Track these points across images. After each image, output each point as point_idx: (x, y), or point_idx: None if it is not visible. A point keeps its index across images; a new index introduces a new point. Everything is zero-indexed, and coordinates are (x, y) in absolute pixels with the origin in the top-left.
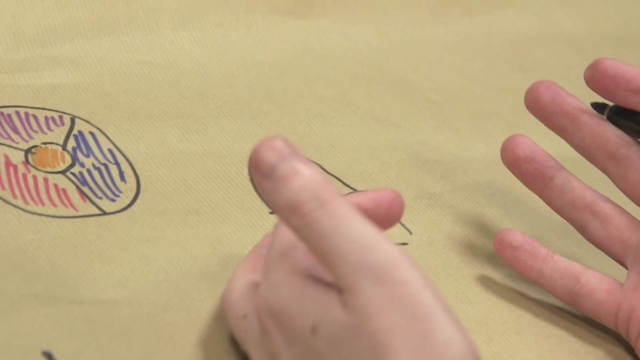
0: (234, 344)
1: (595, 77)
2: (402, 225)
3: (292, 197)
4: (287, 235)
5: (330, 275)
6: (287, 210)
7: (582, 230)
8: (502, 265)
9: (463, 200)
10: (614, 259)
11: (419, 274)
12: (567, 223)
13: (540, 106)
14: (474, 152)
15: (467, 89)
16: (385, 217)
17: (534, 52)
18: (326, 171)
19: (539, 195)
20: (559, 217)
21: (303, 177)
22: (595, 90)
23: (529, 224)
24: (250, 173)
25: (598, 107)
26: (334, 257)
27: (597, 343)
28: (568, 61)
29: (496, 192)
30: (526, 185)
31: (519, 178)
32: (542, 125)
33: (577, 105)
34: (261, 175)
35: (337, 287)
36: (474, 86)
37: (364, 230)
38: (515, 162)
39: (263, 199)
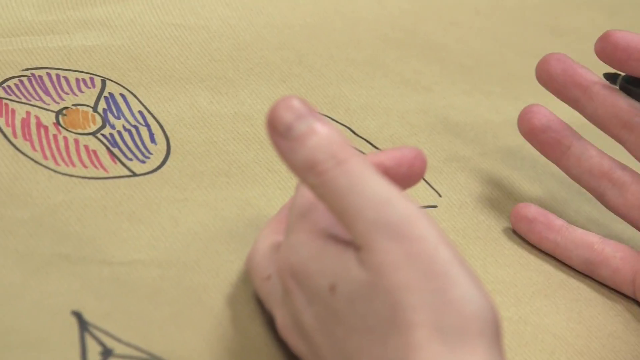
0: (261, 304)
1: (606, 49)
2: (432, 187)
3: (309, 155)
4: (307, 195)
5: (348, 233)
6: (304, 169)
7: (601, 197)
8: None
9: (493, 163)
10: (633, 226)
11: (435, 230)
12: None
13: (551, 79)
14: (505, 115)
15: (498, 52)
16: (407, 174)
17: (566, 16)
18: (356, 134)
19: (557, 164)
20: None
21: (320, 136)
22: (606, 62)
23: (558, 187)
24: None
25: (610, 77)
26: (350, 214)
27: (625, 305)
28: (600, 25)
29: (527, 155)
30: (543, 154)
31: (536, 147)
32: None
33: (588, 77)
34: (278, 134)
35: (354, 245)
36: (505, 50)
37: (380, 188)
38: (532, 131)
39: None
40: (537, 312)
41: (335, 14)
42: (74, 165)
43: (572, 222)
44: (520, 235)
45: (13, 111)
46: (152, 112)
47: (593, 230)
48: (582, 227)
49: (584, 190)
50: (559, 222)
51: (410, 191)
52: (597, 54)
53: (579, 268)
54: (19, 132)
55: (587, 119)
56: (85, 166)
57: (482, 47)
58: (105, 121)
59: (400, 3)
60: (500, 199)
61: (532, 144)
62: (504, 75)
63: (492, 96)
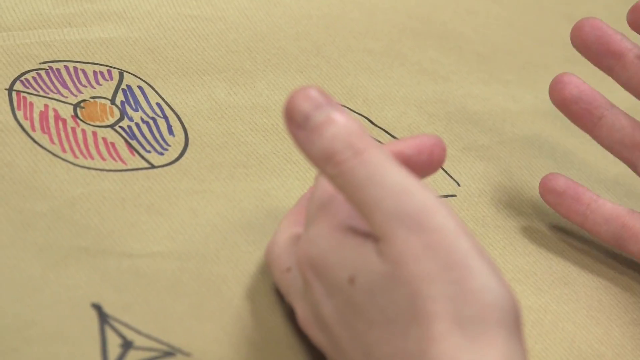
0: (280, 296)
1: (637, 20)
2: (450, 176)
3: (327, 146)
4: (326, 187)
5: (367, 225)
6: (323, 160)
7: (634, 168)
8: (550, 216)
9: (511, 152)
10: None
11: (453, 220)
12: (616, 175)
13: (585, 45)
14: (523, 104)
15: (515, 41)
16: (427, 162)
17: (583, 3)
18: (374, 124)
19: (589, 134)
20: (607, 169)
21: (338, 126)
22: (639, 33)
23: (577, 175)
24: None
25: None
26: (369, 205)
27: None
28: (616, 11)
29: (544, 143)
30: (576, 124)
31: (568, 117)
32: (589, 77)
33: (623, 44)
34: (295, 125)
35: (373, 237)
36: (522, 38)
37: (398, 178)
38: (563, 102)
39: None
40: (557, 300)
41: (352, 3)
42: (92, 157)
43: None
44: (538, 220)
45: (31, 104)
46: (169, 104)
47: None
48: None
49: (604, 178)
50: (588, 194)
51: (429, 180)
52: (629, 25)
53: (608, 242)
54: (37, 125)
55: (622, 86)
56: (103, 159)
57: (499, 36)
58: (123, 113)
59: None
60: (519, 187)
61: (564, 114)
62: (520, 63)
63: (509, 85)
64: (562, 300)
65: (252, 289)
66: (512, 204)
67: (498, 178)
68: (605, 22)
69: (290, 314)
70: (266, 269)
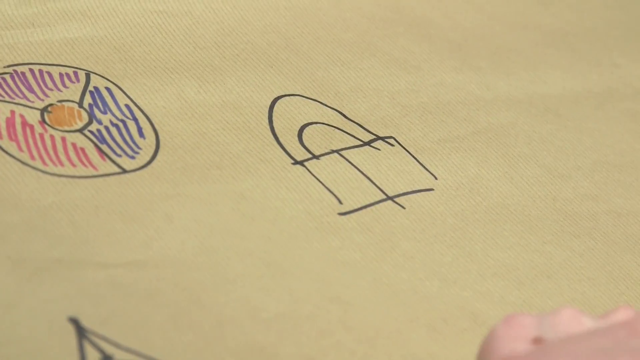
0: (263, 301)
1: None
2: (427, 170)
3: None
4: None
5: None
6: None
7: None
8: (531, 208)
9: (487, 142)
10: None
11: None
12: (594, 161)
13: None
14: (496, 91)
15: (486, 26)
16: None
17: None
18: (347, 118)
19: None
20: (585, 154)
21: None
22: None
23: (555, 163)
24: None
25: None
26: None
27: (630, 284)
28: None
29: (520, 131)
30: None
31: None
32: (562, 61)
33: None
34: None
35: None
36: (493, 23)
37: None
38: None
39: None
40: (540, 295)
41: None
42: (62, 164)
43: (569, 198)
44: (518, 215)
45: None
46: (139, 104)
47: (590, 206)
48: (580, 203)
49: (582, 165)
50: None
51: (406, 176)
52: None
53: None
54: (4, 132)
55: None
56: (74, 165)
57: (469, 21)
58: (91, 117)
59: None
60: (496, 178)
61: None
62: (492, 49)
63: (481, 72)
64: (546, 294)
65: (232, 295)
66: (491, 195)
67: (475, 170)
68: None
69: (271, 321)
70: (246, 275)
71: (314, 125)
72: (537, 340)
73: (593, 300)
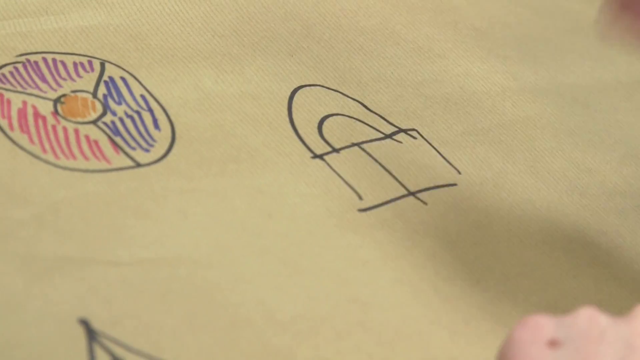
0: (279, 302)
1: None
2: (450, 164)
3: None
4: None
5: None
6: None
7: None
8: (557, 204)
9: (513, 134)
10: None
11: None
12: (623, 155)
13: None
14: (523, 81)
15: (513, 12)
16: None
17: None
18: (369, 109)
19: None
20: (614, 148)
21: None
22: None
23: (582, 156)
24: None
25: None
26: None
27: None
28: None
29: (547, 124)
30: None
31: None
32: (592, 49)
33: None
34: None
35: None
36: (520, 9)
37: None
38: None
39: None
40: (566, 295)
41: None
42: (74, 157)
43: (597, 194)
44: (544, 211)
45: (9, 101)
46: (154, 95)
47: (618, 202)
48: (607, 199)
49: (610, 158)
50: None
51: (428, 170)
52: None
53: None
54: (15, 124)
55: None
56: (86, 158)
57: (496, 8)
58: (106, 108)
59: None
60: (522, 172)
61: None
62: (520, 37)
63: (508, 61)
64: (572, 294)
65: (247, 295)
66: (515, 191)
67: (500, 164)
68: None
69: (288, 322)
70: (262, 274)
71: (334, 117)
72: (553, 343)
73: (620, 301)
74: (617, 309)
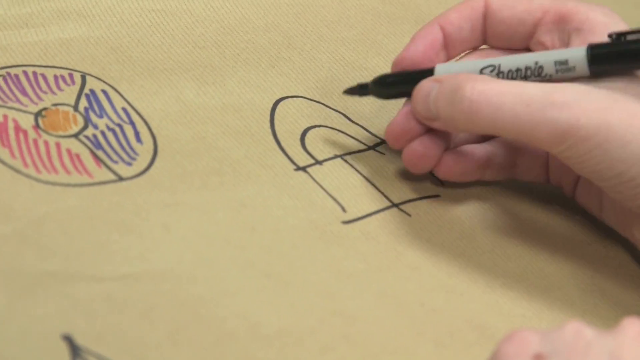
0: (264, 316)
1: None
2: (433, 175)
3: None
4: None
5: None
6: None
7: None
8: (540, 215)
9: None
10: None
11: None
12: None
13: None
14: None
15: None
16: None
17: None
18: (352, 120)
19: None
20: None
21: None
22: None
23: None
24: None
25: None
26: None
27: None
28: None
29: None
30: None
31: None
32: None
33: None
34: None
35: None
36: None
37: None
38: None
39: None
40: (551, 307)
41: None
42: (56, 172)
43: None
44: (527, 222)
45: None
46: (136, 108)
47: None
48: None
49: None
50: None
51: (411, 182)
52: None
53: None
54: None
55: None
56: (68, 172)
57: None
58: (87, 121)
59: None
60: (504, 184)
61: None
62: None
63: None
64: (556, 305)
65: (232, 309)
66: (499, 202)
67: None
68: None
69: (273, 336)
70: (246, 288)
71: (317, 128)
72: (539, 357)
73: (605, 312)
74: (603, 319)
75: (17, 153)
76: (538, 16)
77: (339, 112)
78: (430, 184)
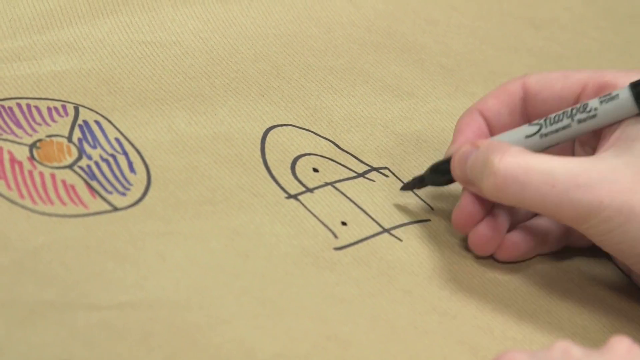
0: (259, 341)
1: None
2: (423, 200)
3: None
4: None
5: None
6: None
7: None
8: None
9: None
10: None
11: None
12: None
13: None
14: None
15: (478, 50)
16: None
17: (545, 7)
18: (341, 149)
19: None
20: None
21: None
22: None
23: None
24: None
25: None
26: None
27: (631, 315)
28: (579, 14)
29: None
30: None
31: None
32: None
33: None
34: None
35: None
36: (485, 47)
37: None
38: None
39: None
40: (541, 330)
41: (309, 20)
42: (52, 203)
43: None
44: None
45: None
46: (129, 138)
47: None
48: None
49: None
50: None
51: (401, 207)
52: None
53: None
54: None
55: None
56: (64, 203)
57: (461, 46)
58: (81, 152)
59: (374, 3)
60: None
61: None
62: (485, 73)
63: (475, 97)
64: (546, 329)
65: (227, 335)
66: None
67: None
68: (569, 26)
69: None
70: (241, 314)
71: (307, 156)
72: None
73: (594, 334)
74: (591, 342)
75: (13, 184)
76: (578, 91)
77: (329, 139)
78: (420, 209)
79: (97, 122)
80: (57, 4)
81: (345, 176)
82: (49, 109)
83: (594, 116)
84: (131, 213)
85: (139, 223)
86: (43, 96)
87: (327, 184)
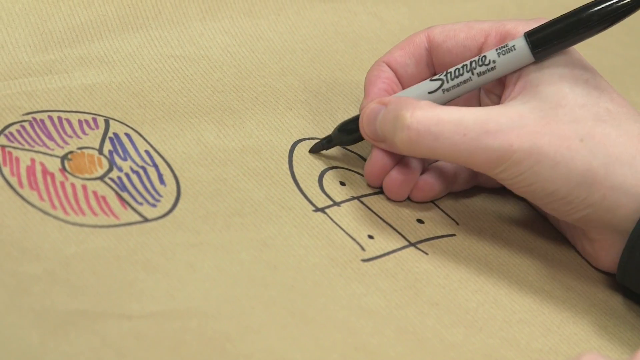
0: (288, 351)
1: None
2: (448, 215)
3: None
4: None
5: None
6: None
7: None
8: (554, 251)
9: None
10: None
11: None
12: None
13: None
14: None
15: None
16: None
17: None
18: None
19: None
20: None
21: None
22: None
23: None
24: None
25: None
26: None
27: None
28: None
29: None
30: None
31: None
32: None
33: None
34: None
35: None
36: None
37: None
38: None
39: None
40: (567, 341)
41: (335, 35)
42: (83, 213)
43: None
44: (542, 259)
45: (17, 159)
46: (158, 150)
47: None
48: None
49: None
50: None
51: (427, 221)
52: None
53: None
54: (24, 181)
55: None
56: (95, 214)
57: None
58: (112, 164)
59: (400, 19)
60: (520, 222)
61: None
62: None
63: None
64: (572, 340)
65: (257, 345)
66: (513, 240)
67: (497, 213)
68: None
69: None
70: (270, 324)
71: (334, 169)
72: None
73: (621, 347)
74: (618, 354)
75: (45, 196)
76: (481, 40)
77: (355, 153)
78: (446, 224)
79: (127, 134)
80: (88, 18)
81: (372, 191)
82: (80, 121)
83: (493, 68)
84: (161, 224)
85: (169, 234)
86: (74, 109)
87: (353, 198)
